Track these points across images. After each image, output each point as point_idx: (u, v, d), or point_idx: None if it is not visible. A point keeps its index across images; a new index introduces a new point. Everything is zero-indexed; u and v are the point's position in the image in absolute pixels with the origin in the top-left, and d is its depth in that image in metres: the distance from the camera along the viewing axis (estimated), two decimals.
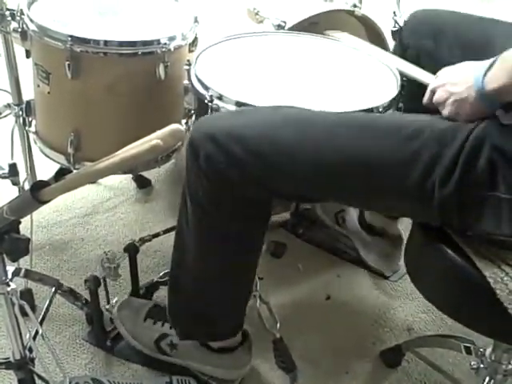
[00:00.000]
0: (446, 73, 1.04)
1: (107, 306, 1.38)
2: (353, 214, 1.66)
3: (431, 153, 0.92)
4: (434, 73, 1.08)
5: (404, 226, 1.59)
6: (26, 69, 1.47)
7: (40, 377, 1.16)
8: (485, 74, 0.91)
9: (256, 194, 1.07)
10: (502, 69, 0.90)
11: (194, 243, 1.15)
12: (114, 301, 1.40)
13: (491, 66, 0.91)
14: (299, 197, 1.15)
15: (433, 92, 1.04)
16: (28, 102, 1.53)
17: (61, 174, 0.88)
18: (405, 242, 1.54)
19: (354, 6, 1.58)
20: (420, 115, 1.01)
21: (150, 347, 1.33)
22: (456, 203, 0.92)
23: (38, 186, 0.87)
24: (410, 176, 0.93)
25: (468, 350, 1.24)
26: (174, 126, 0.72)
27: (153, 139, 0.72)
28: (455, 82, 0.99)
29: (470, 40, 1.23)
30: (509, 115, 0.90)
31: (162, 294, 1.46)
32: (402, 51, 1.38)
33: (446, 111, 0.99)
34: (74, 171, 0.88)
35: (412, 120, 0.99)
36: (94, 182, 1.91)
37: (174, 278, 1.25)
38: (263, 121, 1.05)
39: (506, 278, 0.91)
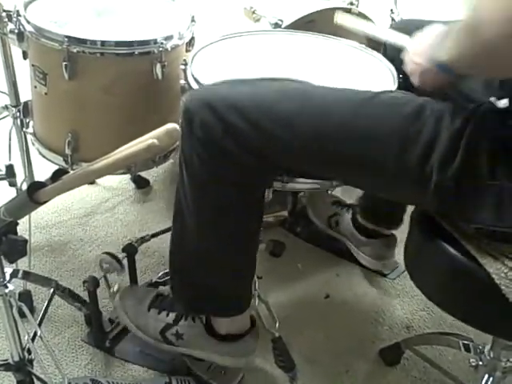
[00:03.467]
0: (416, 40, 1.04)
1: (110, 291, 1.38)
2: (346, 216, 1.65)
3: (430, 133, 0.91)
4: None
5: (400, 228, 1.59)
6: (23, 70, 1.47)
7: (39, 378, 1.16)
8: (440, 45, 0.91)
9: (252, 163, 1.05)
10: (450, 40, 0.87)
11: (192, 214, 1.13)
12: (116, 288, 1.38)
13: (444, 36, 0.90)
14: (297, 170, 1.14)
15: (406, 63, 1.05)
16: (25, 103, 1.53)
17: (57, 174, 0.88)
18: (398, 241, 1.57)
19: (351, 3, 1.59)
20: (418, 97, 1.00)
21: (155, 337, 1.31)
22: (454, 190, 0.90)
23: (35, 187, 0.87)
24: (409, 155, 0.92)
25: (467, 348, 1.24)
26: (169, 126, 0.72)
27: (149, 139, 0.72)
28: (419, 53, 0.99)
29: None
30: (502, 101, 0.89)
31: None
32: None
33: (414, 81, 1.00)
34: (71, 172, 0.87)
35: (412, 98, 0.98)
36: (92, 183, 1.91)
37: (175, 251, 1.23)
38: (262, 91, 1.04)
39: (510, 274, 0.90)
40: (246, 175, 1.07)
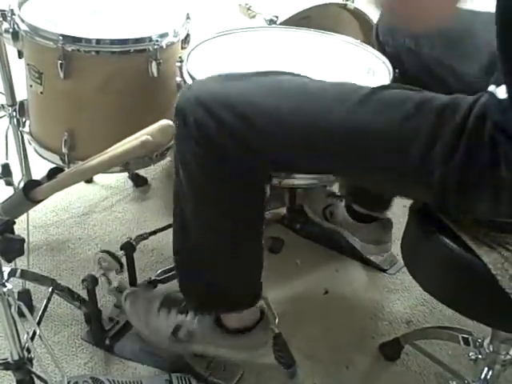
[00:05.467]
0: None
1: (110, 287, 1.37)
2: (340, 205, 1.65)
3: (431, 128, 0.90)
4: (418, 71, 1.07)
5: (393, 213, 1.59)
6: (19, 69, 1.47)
7: (39, 377, 1.16)
8: None
9: (248, 159, 1.04)
10: None
11: (192, 214, 1.13)
12: (116, 284, 1.38)
13: None
14: (291, 166, 1.11)
15: None
16: (21, 103, 1.52)
17: (53, 173, 0.88)
18: (394, 224, 1.56)
19: None
20: (417, 92, 0.98)
21: (168, 339, 1.30)
22: (456, 182, 0.90)
23: (31, 186, 0.87)
24: (411, 151, 0.91)
25: (466, 342, 1.24)
26: (163, 122, 0.72)
27: (142, 135, 0.72)
28: None
29: (451, 33, 1.22)
30: (501, 89, 0.88)
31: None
32: (381, 48, 1.35)
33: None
34: (66, 170, 0.88)
35: (411, 95, 0.97)
36: (90, 182, 1.91)
37: (179, 252, 1.22)
38: (255, 87, 1.04)
39: (506, 264, 0.90)
40: (243, 172, 1.06)
